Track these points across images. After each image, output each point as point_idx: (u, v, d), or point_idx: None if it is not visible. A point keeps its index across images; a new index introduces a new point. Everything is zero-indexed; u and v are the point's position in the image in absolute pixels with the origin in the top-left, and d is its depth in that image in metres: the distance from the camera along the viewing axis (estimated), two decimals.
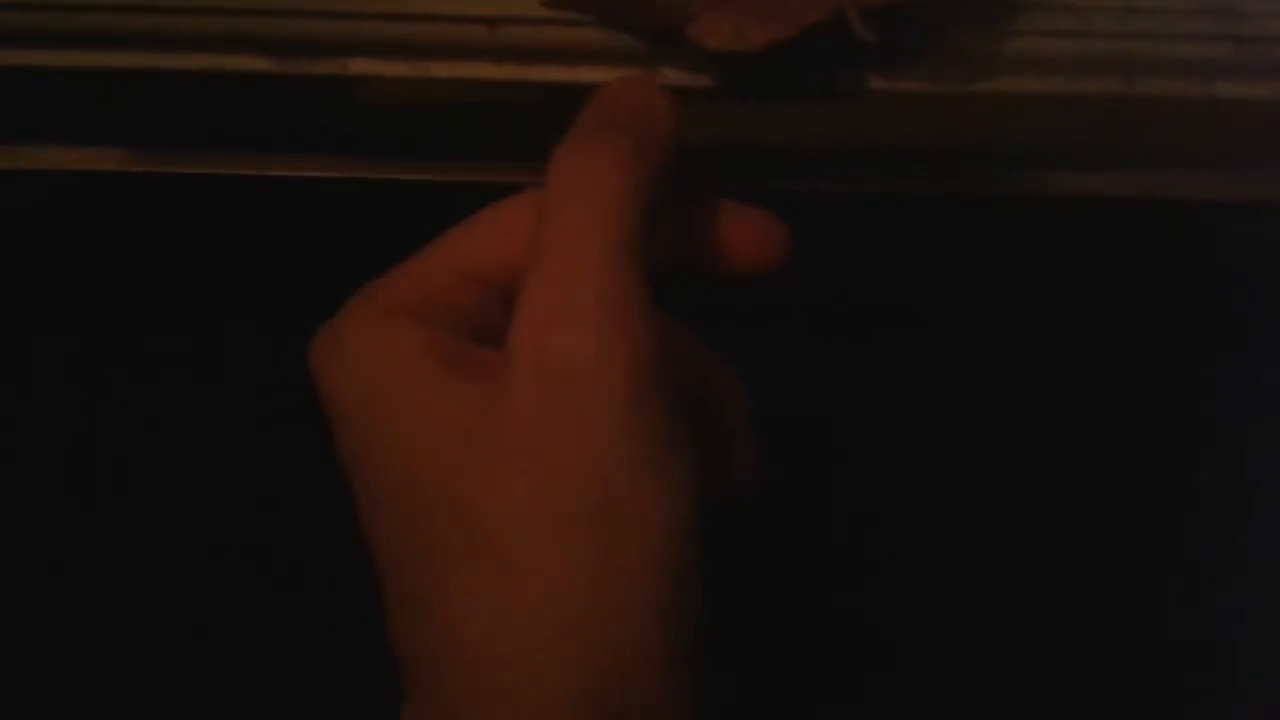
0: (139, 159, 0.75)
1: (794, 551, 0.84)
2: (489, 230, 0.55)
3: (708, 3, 0.72)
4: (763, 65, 0.71)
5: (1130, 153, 0.77)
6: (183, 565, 0.81)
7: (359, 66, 0.73)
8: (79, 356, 0.85)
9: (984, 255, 0.85)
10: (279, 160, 0.75)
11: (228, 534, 0.81)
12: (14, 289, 0.84)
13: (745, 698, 0.79)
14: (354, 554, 0.51)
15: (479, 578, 0.42)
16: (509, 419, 0.43)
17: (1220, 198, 0.80)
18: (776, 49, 0.70)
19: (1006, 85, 0.74)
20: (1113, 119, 0.75)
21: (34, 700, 0.79)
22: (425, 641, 0.44)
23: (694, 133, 0.75)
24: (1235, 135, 0.76)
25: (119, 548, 0.82)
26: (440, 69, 0.73)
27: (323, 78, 0.73)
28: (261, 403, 0.84)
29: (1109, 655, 0.84)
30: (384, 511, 0.46)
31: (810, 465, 0.84)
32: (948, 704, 0.82)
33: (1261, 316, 0.86)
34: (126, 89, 0.73)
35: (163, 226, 0.81)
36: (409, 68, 0.73)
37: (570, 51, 0.73)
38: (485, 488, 0.42)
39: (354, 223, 0.78)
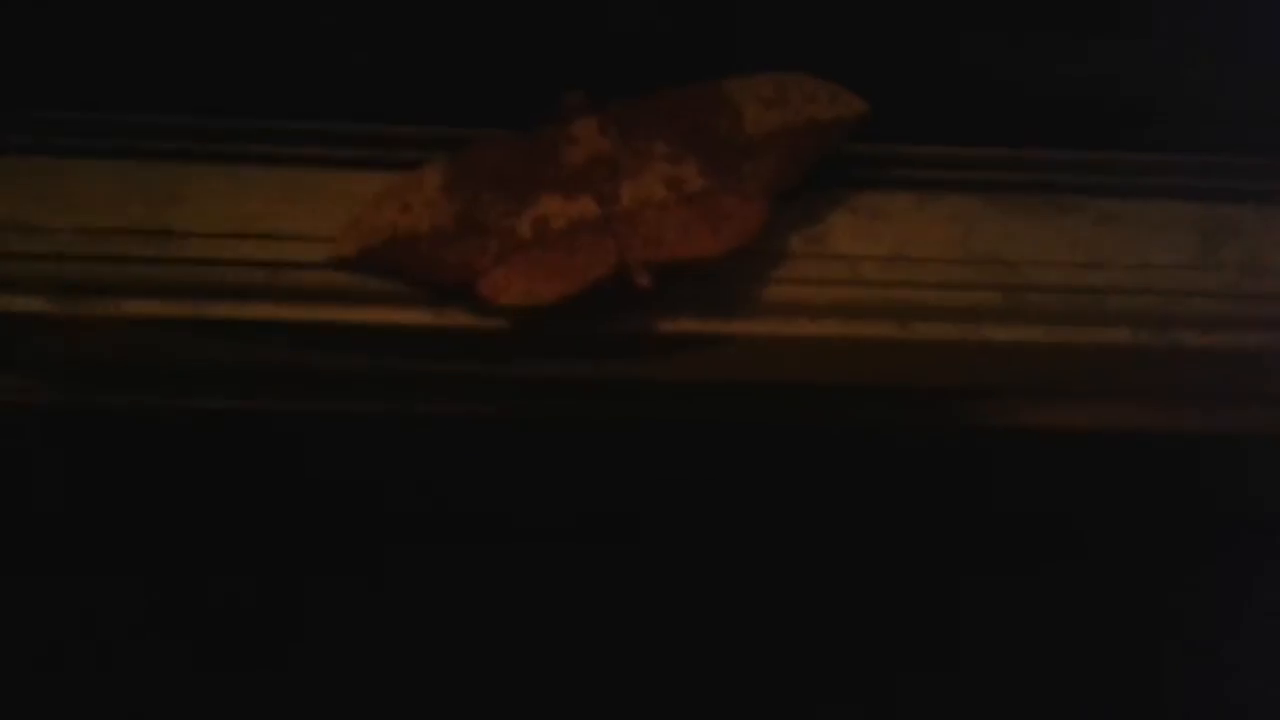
0: None
1: None
2: None
3: (496, 258, 0.72)
4: (551, 312, 0.71)
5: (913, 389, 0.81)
6: None
7: (134, 308, 0.72)
8: None
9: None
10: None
11: None
12: None
13: None
14: None
15: None
16: None
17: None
18: (565, 301, 0.71)
19: (778, 329, 0.77)
20: (891, 360, 0.78)
21: None
22: None
23: (481, 369, 0.76)
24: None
25: None
26: (220, 310, 0.72)
27: (99, 318, 0.71)
28: None
29: None
30: None
31: None
32: None
33: None
34: None
35: None
36: (188, 308, 0.72)
37: (354, 294, 0.73)
38: None
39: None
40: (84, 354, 0.73)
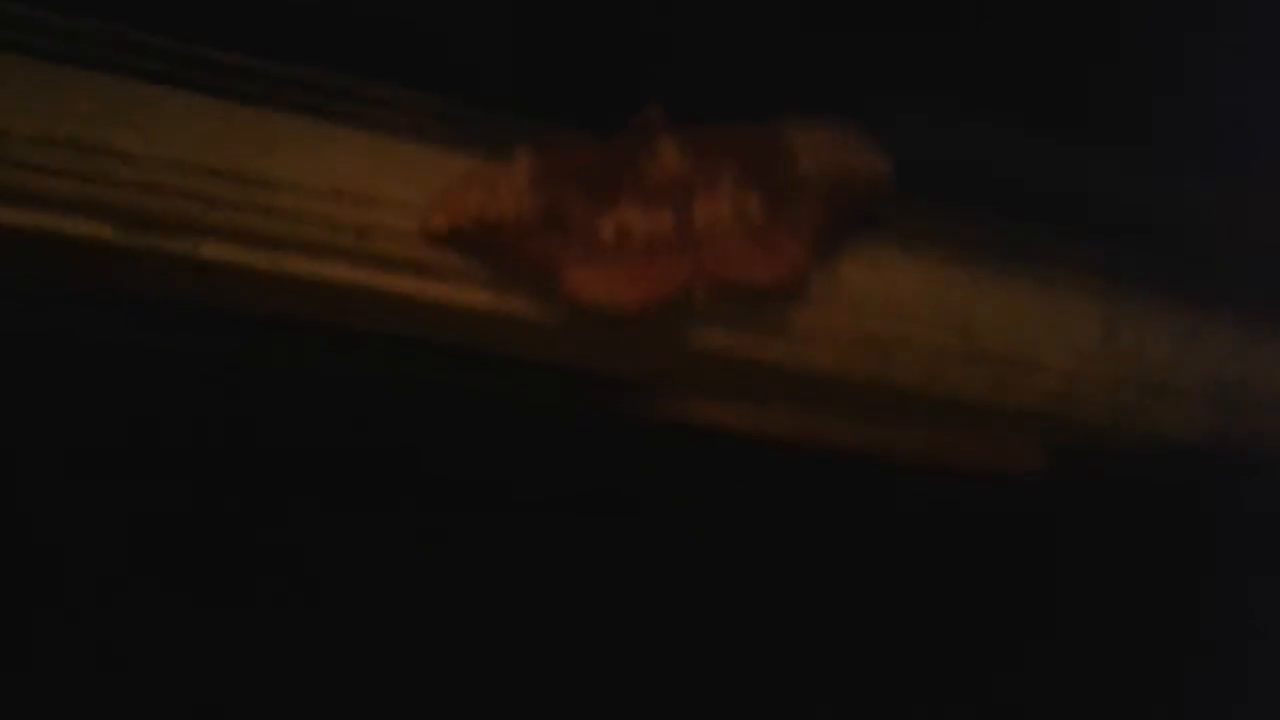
0: None
1: None
2: None
3: (579, 257, 0.75)
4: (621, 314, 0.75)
5: None
6: None
7: (211, 251, 0.70)
8: None
9: None
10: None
11: None
12: None
13: None
14: None
15: None
16: None
17: None
18: (642, 308, 0.75)
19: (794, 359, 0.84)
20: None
21: None
22: None
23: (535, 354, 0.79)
24: None
25: None
26: (297, 264, 0.71)
27: (172, 256, 0.69)
28: None
29: None
30: None
31: None
32: None
33: None
34: None
35: None
36: (266, 260, 0.70)
37: (433, 269, 0.74)
38: None
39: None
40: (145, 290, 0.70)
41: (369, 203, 0.72)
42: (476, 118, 0.76)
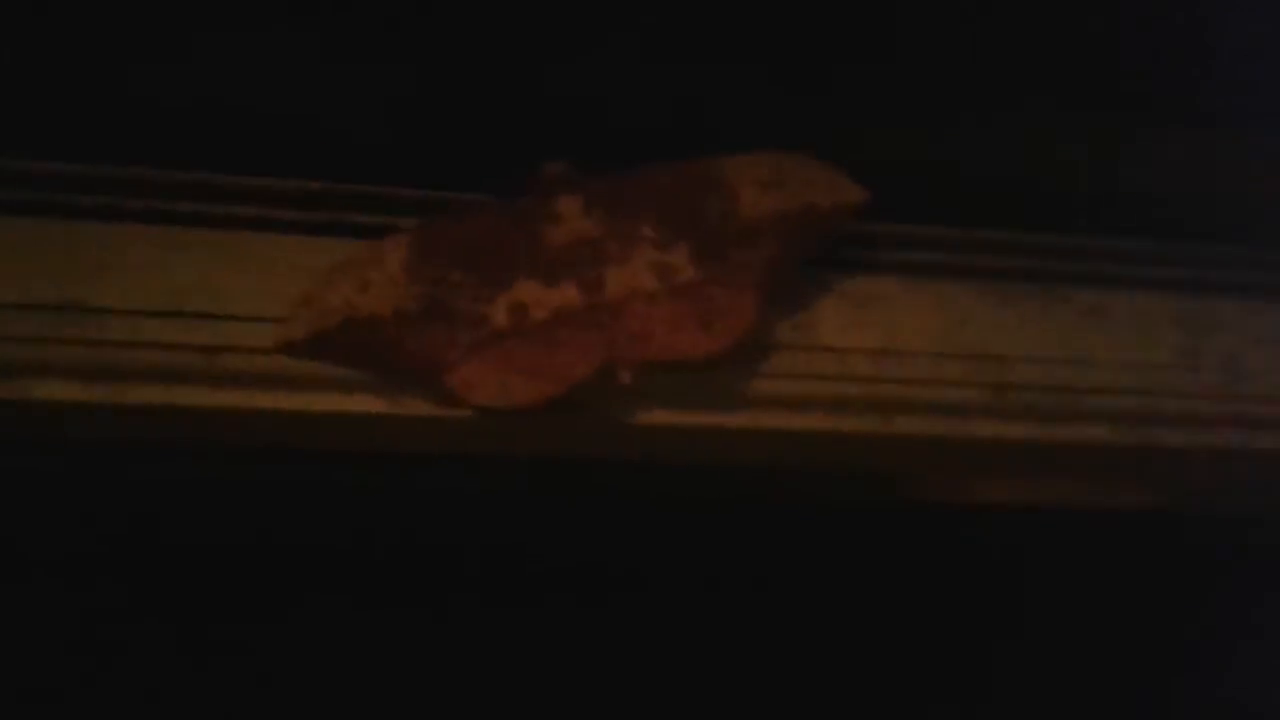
0: None
1: None
2: None
3: (467, 350, 0.65)
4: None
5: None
6: None
7: (45, 391, 0.62)
8: None
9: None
10: None
11: None
12: None
13: None
14: None
15: None
16: None
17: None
18: (544, 404, 0.64)
19: (764, 421, 0.71)
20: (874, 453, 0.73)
21: None
22: None
23: (446, 447, 0.69)
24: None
25: None
26: (143, 394, 0.63)
27: (4, 401, 0.62)
28: None
29: None
30: None
31: None
32: None
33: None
34: None
35: None
36: (108, 392, 0.63)
37: (300, 380, 0.65)
38: None
39: None
40: None
41: (216, 318, 0.63)
42: (344, 199, 0.66)
